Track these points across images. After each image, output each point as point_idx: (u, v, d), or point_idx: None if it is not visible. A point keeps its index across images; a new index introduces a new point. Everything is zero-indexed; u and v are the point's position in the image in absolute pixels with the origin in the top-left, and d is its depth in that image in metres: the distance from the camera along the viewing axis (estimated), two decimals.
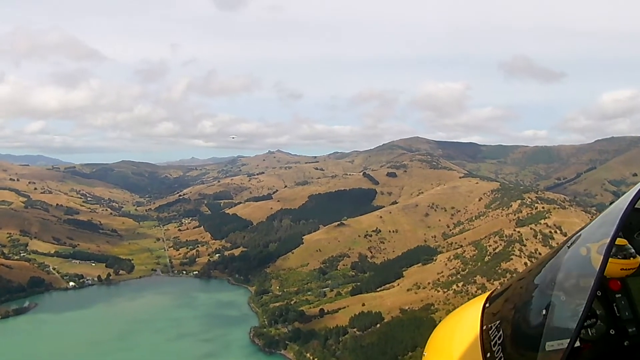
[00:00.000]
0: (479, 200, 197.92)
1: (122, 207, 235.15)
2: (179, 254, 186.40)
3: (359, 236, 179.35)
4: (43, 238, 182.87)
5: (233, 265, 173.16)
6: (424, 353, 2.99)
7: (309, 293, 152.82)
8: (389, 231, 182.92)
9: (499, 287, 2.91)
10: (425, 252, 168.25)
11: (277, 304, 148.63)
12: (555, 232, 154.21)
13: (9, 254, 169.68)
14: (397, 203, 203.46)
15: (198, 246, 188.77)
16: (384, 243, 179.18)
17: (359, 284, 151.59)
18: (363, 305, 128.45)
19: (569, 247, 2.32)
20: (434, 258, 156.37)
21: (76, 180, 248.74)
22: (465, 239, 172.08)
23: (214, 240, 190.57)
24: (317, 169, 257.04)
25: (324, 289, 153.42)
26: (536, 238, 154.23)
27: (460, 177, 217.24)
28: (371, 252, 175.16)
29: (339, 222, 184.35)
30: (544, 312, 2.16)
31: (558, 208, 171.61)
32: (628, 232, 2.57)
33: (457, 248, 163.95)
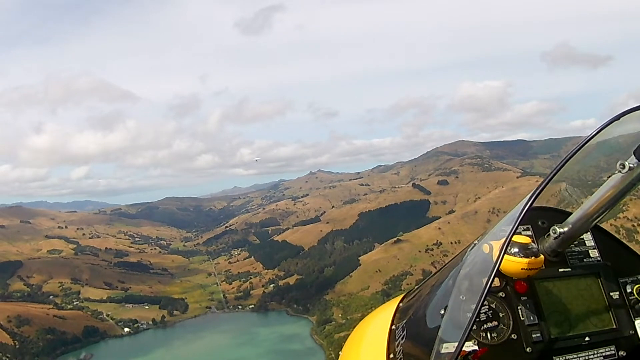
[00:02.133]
0: (546, 202, 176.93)
1: (171, 244, 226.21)
2: (232, 287, 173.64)
3: (420, 251, 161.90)
4: (94, 284, 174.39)
5: (290, 295, 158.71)
6: (339, 353, 2.80)
7: None
8: (451, 242, 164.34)
9: (415, 286, 2.68)
10: None
11: (343, 334, 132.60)
12: (639, 225, 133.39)
13: (62, 304, 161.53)
14: (454, 212, 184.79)
15: (251, 278, 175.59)
16: (447, 256, 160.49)
17: None
18: None
19: (475, 244, 2.15)
20: None
21: (123, 221, 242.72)
22: None
23: (266, 270, 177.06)
24: (362, 184, 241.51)
25: None
26: (619, 234, 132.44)
27: (517, 177, 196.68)
28: (435, 267, 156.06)
29: (395, 239, 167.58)
30: (442, 312, 2.00)
31: (636, 199, 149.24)
32: (540, 232, 2.41)
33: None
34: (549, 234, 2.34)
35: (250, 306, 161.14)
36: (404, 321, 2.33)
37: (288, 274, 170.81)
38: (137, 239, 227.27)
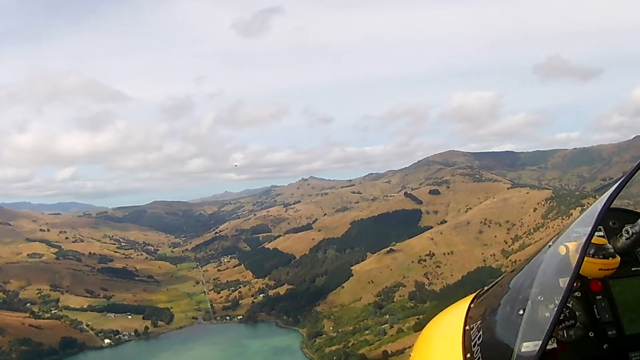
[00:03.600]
0: (534, 210, 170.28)
1: (158, 250, 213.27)
2: (221, 297, 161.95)
3: (412, 262, 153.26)
4: (75, 291, 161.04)
5: (280, 305, 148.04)
6: (410, 353, 2.77)
7: (367, 332, 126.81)
8: (444, 253, 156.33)
9: (485, 287, 2.67)
10: (488, 273, 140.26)
11: (334, 348, 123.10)
12: None
13: (39, 312, 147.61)
14: (446, 222, 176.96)
15: (240, 287, 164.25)
16: (440, 267, 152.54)
17: (421, 316, 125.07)
18: None
19: (550, 246, 2.13)
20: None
21: (109, 225, 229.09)
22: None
23: (256, 279, 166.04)
24: (354, 192, 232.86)
25: (384, 326, 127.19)
26: None
27: (508, 188, 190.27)
28: (428, 279, 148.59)
29: (388, 249, 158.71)
30: (521, 312, 1.99)
31: None
32: (612, 232, 2.38)
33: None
34: (621, 234, 2.31)
35: (239, 317, 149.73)
36: (479, 322, 2.32)
37: (278, 284, 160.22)
38: (123, 244, 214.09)
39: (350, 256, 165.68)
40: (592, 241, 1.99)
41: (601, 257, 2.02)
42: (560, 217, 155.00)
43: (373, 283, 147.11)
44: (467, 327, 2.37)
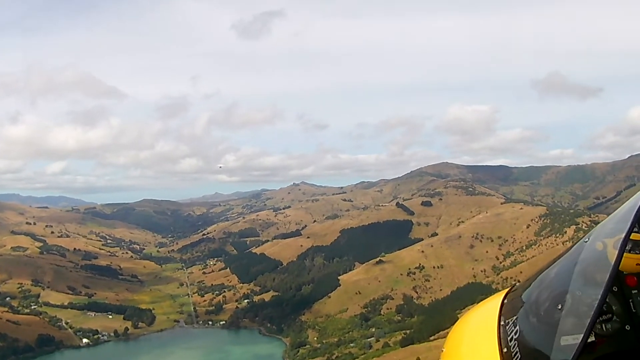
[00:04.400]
0: (527, 227, 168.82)
1: (144, 249, 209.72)
2: (204, 300, 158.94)
3: (401, 274, 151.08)
4: (57, 287, 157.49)
5: (264, 312, 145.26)
6: (442, 348, 2.82)
7: (352, 345, 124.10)
8: (434, 267, 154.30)
9: (517, 284, 2.77)
10: (478, 290, 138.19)
11: (317, 359, 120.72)
12: None
13: (18, 307, 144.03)
14: (437, 235, 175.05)
15: (224, 291, 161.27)
16: (429, 281, 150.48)
17: (408, 331, 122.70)
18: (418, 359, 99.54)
19: (585, 242, 2.21)
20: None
21: (96, 221, 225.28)
22: (521, 272, 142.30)
23: (241, 284, 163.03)
24: (345, 200, 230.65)
25: (369, 339, 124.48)
26: None
27: (502, 203, 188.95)
28: (416, 292, 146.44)
29: (377, 259, 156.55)
30: (559, 307, 2.05)
31: None
32: None
33: (514, 284, 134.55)
34: None
35: (222, 322, 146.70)
36: (515, 317, 2.36)
37: (264, 290, 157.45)
38: (109, 241, 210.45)
39: (338, 265, 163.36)
40: (630, 237, 2.02)
41: (638, 252, 2.08)
42: (553, 235, 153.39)
43: (360, 294, 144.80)
44: (502, 323, 2.41)
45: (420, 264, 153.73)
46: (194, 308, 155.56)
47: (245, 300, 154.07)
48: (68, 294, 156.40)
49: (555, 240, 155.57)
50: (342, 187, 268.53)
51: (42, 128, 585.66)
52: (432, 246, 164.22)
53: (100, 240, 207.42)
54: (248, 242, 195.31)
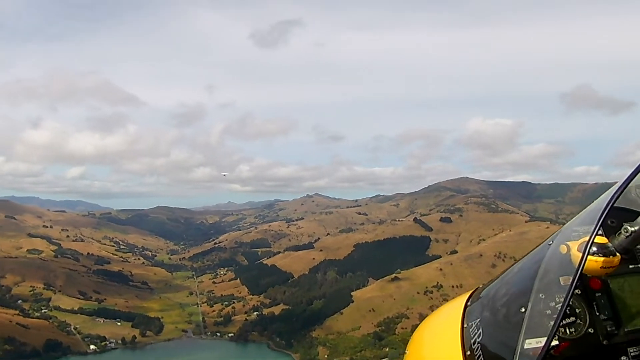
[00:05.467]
0: None
1: (156, 256, 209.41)
2: (213, 311, 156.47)
3: (418, 292, 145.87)
4: (68, 292, 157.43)
5: (273, 326, 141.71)
6: (405, 351, 2.79)
7: None
8: (452, 286, 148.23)
9: (481, 285, 2.68)
10: None
11: None
12: None
13: (29, 311, 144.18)
14: (456, 252, 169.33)
15: (234, 302, 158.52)
16: (447, 300, 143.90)
17: None
18: None
19: (550, 244, 2.18)
20: None
21: (111, 227, 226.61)
22: None
23: (251, 296, 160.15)
24: (359, 213, 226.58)
25: None
26: None
27: (526, 221, 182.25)
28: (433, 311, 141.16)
29: (393, 276, 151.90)
30: (522, 310, 2.02)
31: None
32: (609, 231, 2.37)
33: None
34: (620, 233, 2.31)
35: (230, 334, 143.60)
36: (477, 319, 2.34)
37: (274, 302, 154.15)
38: (122, 247, 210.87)
39: (351, 280, 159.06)
40: (594, 240, 2.02)
41: (602, 255, 2.04)
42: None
43: (374, 312, 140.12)
44: (465, 325, 2.37)
45: (438, 283, 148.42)
46: (203, 318, 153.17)
47: (255, 313, 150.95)
48: (79, 298, 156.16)
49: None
50: (356, 200, 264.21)
51: (61, 133, 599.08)
52: (451, 264, 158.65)
53: (113, 246, 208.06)
54: (259, 253, 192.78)
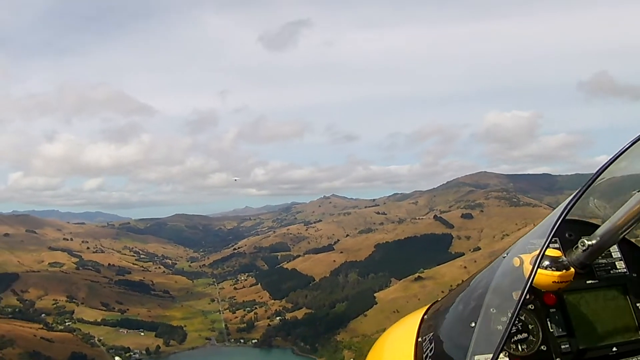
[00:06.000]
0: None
1: (176, 264, 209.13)
2: (236, 317, 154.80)
3: (442, 291, 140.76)
4: (91, 304, 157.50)
5: (297, 331, 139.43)
6: None
7: None
8: None
9: (439, 299, 2.59)
10: None
11: None
12: None
13: (53, 324, 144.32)
14: (479, 249, 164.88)
15: (256, 307, 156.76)
16: None
17: None
18: None
19: (504, 257, 2.11)
20: None
21: (130, 236, 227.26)
22: None
23: (273, 301, 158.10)
24: (378, 213, 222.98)
25: None
26: None
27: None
28: None
29: (416, 275, 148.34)
30: (473, 324, 1.94)
31: None
32: (567, 244, 2.33)
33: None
34: (577, 247, 2.26)
35: (254, 340, 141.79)
36: (431, 333, 2.25)
37: (296, 307, 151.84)
38: (142, 256, 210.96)
39: (373, 282, 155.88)
40: (547, 253, 1.94)
41: (555, 269, 1.96)
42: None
43: (398, 313, 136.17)
44: (419, 339, 2.31)
45: (462, 281, 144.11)
46: (226, 325, 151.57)
47: (277, 318, 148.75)
48: (101, 310, 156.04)
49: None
50: (374, 200, 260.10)
51: (77, 145, 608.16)
52: (475, 261, 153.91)
53: (133, 255, 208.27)
54: (279, 257, 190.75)
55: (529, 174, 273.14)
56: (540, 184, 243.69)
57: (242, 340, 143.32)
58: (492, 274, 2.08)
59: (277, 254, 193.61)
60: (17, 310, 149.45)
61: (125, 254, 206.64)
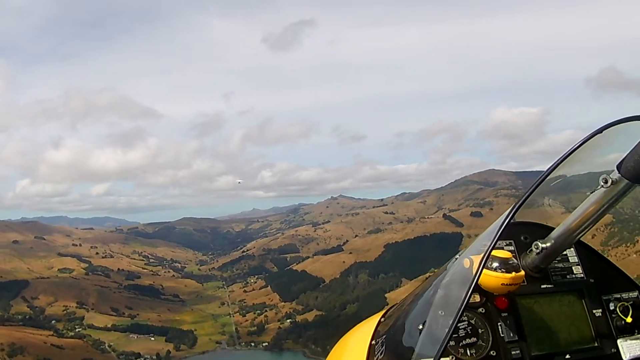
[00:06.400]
0: (592, 237, 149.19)
1: (185, 267, 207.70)
2: (246, 320, 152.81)
3: None
4: (100, 309, 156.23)
5: (308, 333, 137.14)
6: None
7: None
8: None
9: (397, 303, 2.55)
10: None
11: None
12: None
13: (63, 330, 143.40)
14: None
15: (266, 310, 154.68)
16: None
17: None
18: None
19: (456, 259, 2.04)
20: None
21: (139, 241, 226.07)
22: None
23: (283, 303, 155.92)
24: (386, 213, 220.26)
25: None
26: None
27: (562, 213, 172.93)
28: None
29: (427, 275, 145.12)
30: (420, 327, 1.87)
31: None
32: (522, 247, 2.27)
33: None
34: (532, 249, 2.22)
35: (264, 343, 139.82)
36: (384, 336, 2.21)
37: (307, 309, 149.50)
38: (151, 260, 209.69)
39: (384, 282, 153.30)
40: (496, 254, 1.91)
41: (504, 270, 1.90)
42: (624, 245, 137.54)
43: None
44: (373, 342, 2.26)
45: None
46: (236, 329, 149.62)
47: (288, 320, 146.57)
48: (111, 315, 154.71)
49: (626, 250, 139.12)
50: (382, 199, 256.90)
51: (84, 151, 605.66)
52: None
53: (142, 260, 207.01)
54: (288, 259, 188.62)
55: (538, 171, 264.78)
56: (550, 181, 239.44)
57: (252, 344, 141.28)
58: (444, 275, 1.99)
59: (286, 255, 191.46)
60: (27, 317, 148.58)
61: (134, 259, 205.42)
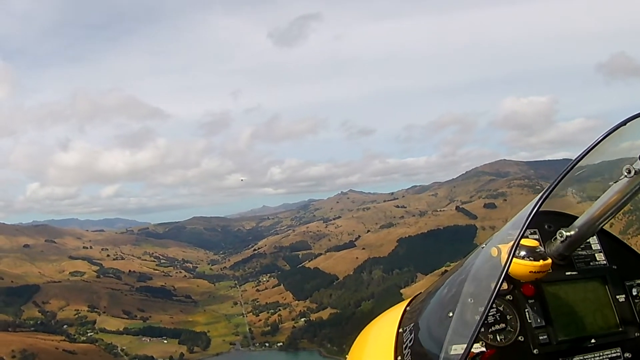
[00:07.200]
0: (610, 226, 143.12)
1: (197, 267, 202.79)
2: (260, 320, 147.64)
3: None
4: (112, 312, 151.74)
5: (323, 332, 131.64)
6: (346, 356, 2.74)
7: None
8: None
9: (422, 291, 2.55)
10: None
11: None
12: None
13: (75, 335, 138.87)
14: None
15: (280, 309, 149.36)
16: None
17: None
18: None
19: (483, 247, 2.05)
20: None
21: (150, 242, 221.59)
22: None
23: (296, 302, 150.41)
24: (398, 206, 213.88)
25: None
26: None
27: (578, 203, 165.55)
28: None
29: (442, 269, 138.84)
30: (450, 314, 1.89)
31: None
32: (547, 236, 2.30)
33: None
34: (556, 238, 2.25)
35: (279, 343, 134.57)
36: (412, 324, 2.22)
37: (321, 307, 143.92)
38: (162, 261, 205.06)
39: (398, 277, 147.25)
40: (524, 243, 1.95)
41: (532, 259, 1.94)
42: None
43: None
44: (400, 330, 2.27)
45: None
46: (250, 329, 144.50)
47: (302, 319, 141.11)
48: (123, 318, 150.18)
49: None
50: (392, 193, 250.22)
51: (92, 153, 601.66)
52: None
53: (154, 261, 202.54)
54: (300, 256, 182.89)
55: (548, 160, 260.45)
56: (562, 169, 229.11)
57: (267, 344, 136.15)
58: (471, 264, 2.02)
59: (298, 252, 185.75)
60: (39, 322, 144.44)
61: (145, 260, 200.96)
